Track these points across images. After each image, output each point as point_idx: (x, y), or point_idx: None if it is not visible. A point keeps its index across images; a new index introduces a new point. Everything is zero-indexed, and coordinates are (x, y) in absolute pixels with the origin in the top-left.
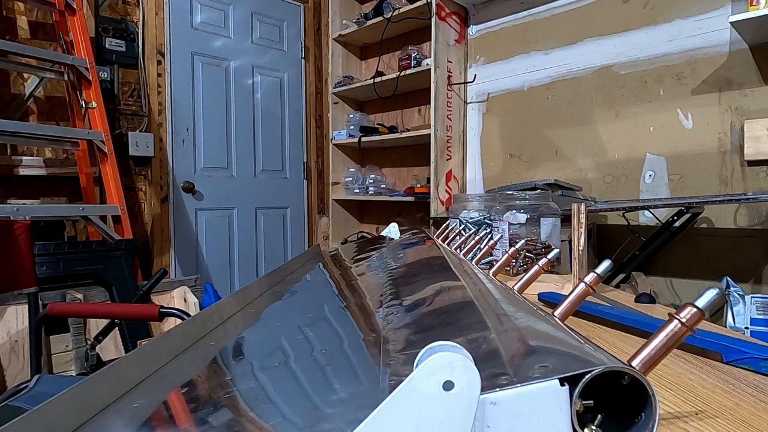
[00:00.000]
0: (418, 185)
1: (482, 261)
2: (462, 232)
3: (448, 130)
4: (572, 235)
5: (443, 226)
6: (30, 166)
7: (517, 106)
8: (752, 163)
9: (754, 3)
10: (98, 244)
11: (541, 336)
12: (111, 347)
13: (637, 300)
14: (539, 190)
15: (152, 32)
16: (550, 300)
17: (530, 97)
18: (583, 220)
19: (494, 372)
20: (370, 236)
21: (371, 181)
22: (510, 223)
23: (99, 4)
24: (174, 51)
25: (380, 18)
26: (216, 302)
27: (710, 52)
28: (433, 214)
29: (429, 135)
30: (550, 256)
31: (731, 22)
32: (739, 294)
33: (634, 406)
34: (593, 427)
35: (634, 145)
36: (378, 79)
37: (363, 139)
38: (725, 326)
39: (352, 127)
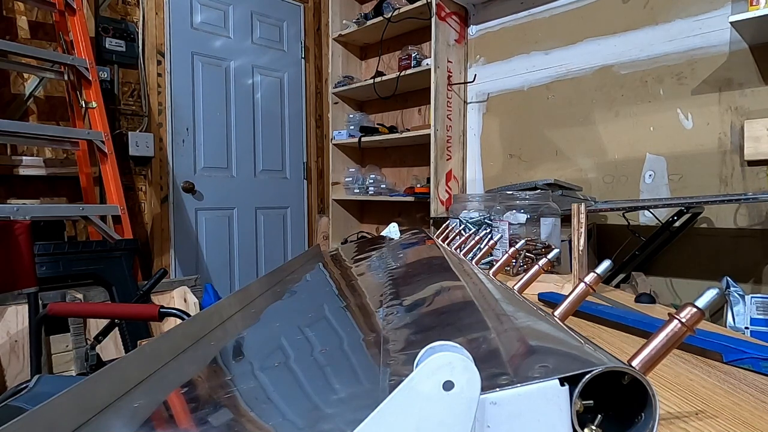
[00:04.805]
0: (418, 185)
1: (482, 261)
2: (462, 232)
3: (448, 130)
4: (572, 235)
5: (443, 226)
6: (30, 166)
7: (517, 106)
8: (752, 163)
9: (754, 3)
10: (98, 244)
11: (541, 336)
12: (111, 347)
13: (637, 300)
14: (539, 190)
15: (152, 32)
16: (550, 300)
17: (530, 97)
18: (583, 220)
19: (494, 372)
20: (370, 236)
21: (371, 181)
22: (510, 223)
23: (99, 4)
24: (174, 51)
25: (380, 18)
26: (216, 302)
27: (710, 52)
28: (433, 214)
29: (429, 135)
30: (550, 256)
31: (731, 22)
32: (739, 294)
33: (634, 406)
34: (593, 427)
35: (634, 145)
36: (378, 79)
37: (363, 139)
38: (725, 326)
39: (352, 127)
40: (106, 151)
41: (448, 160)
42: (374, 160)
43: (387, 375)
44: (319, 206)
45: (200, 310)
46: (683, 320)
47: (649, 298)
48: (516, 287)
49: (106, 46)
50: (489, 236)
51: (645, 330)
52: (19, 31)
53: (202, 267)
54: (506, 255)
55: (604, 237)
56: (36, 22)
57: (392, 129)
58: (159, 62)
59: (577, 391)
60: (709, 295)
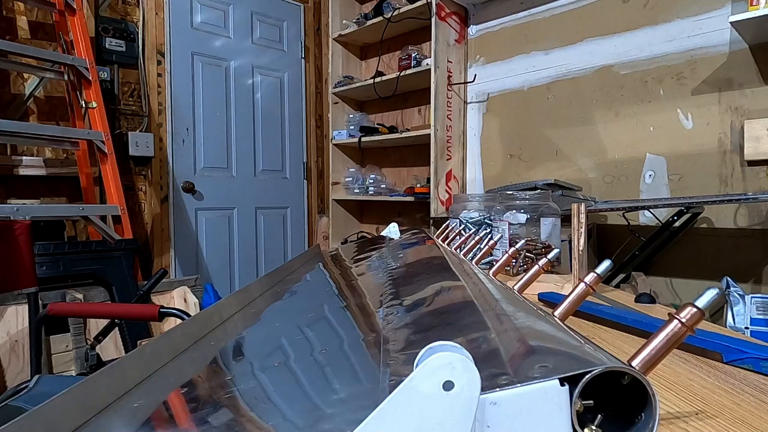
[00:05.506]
0: (418, 185)
1: (482, 261)
2: (462, 232)
3: (448, 130)
4: (572, 235)
5: (443, 226)
6: (30, 166)
7: (517, 106)
8: (752, 163)
9: (754, 3)
10: (98, 244)
11: (541, 336)
12: (111, 347)
13: (637, 300)
14: (539, 190)
15: (152, 32)
16: (550, 300)
17: (530, 97)
18: (583, 220)
19: (494, 372)
20: (370, 236)
21: (371, 181)
22: (510, 223)
23: (99, 4)
24: (174, 51)
25: (380, 18)
26: (216, 302)
27: (710, 52)
28: (433, 214)
29: (429, 135)
30: (550, 256)
31: (731, 22)
32: (739, 294)
33: (634, 406)
34: (593, 427)
35: (634, 145)
36: (378, 79)
37: (363, 139)
38: (725, 326)
39: (352, 127)
40: (106, 151)
41: (448, 160)
42: (374, 160)
43: (387, 375)
44: (319, 206)
45: (200, 310)
46: (683, 320)
47: (649, 298)
48: (516, 287)
49: (106, 46)
50: (489, 236)
51: (645, 330)
52: (19, 31)
53: (202, 267)
54: (506, 255)
55: (604, 237)
56: (36, 22)
57: (392, 129)
58: (159, 62)
59: (577, 391)
60: (709, 295)
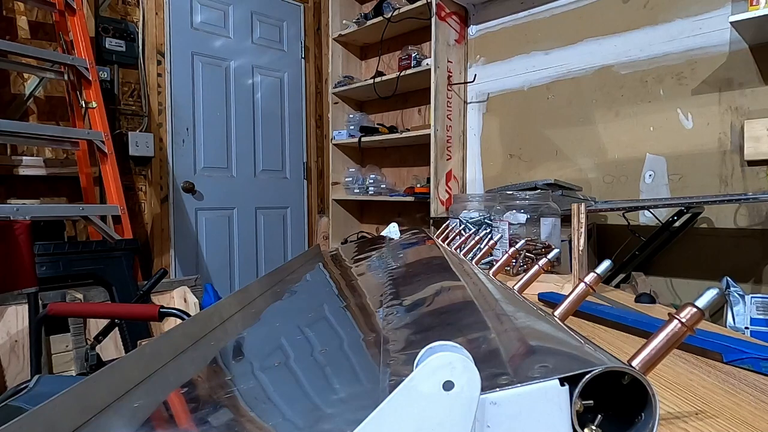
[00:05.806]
0: (418, 185)
1: (482, 261)
2: (462, 232)
3: (448, 130)
4: (572, 235)
5: (443, 226)
6: (30, 166)
7: (517, 106)
8: (752, 163)
9: (754, 3)
10: (98, 244)
11: (541, 336)
12: (111, 347)
13: (637, 300)
14: (539, 190)
15: (152, 32)
16: (550, 300)
17: (530, 97)
18: (583, 220)
19: (494, 372)
20: (370, 236)
21: (371, 181)
22: (510, 223)
23: (99, 4)
24: (174, 51)
25: (380, 18)
26: (216, 302)
27: (710, 52)
28: (433, 214)
29: (429, 135)
30: (550, 256)
31: (731, 22)
32: (739, 294)
33: (634, 406)
34: (593, 427)
35: (634, 145)
36: (378, 79)
37: (363, 139)
38: (725, 326)
39: (352, 127)
40: (106, 151)
41: (448, 160)
42: (374, 160)
43: (387, 375)
44: (319, 206)
45: (200, 310)
46: (683, 320)
47: (649, 298)
48: (516, 287)
49: (106, 46)
50: (489, 236)
51: (645, 330)
52: (19, 31)
53: (202, 267)
54: (506, 255)
55: (604, 237)
56: (36, 22)
57: (392, 129)
58: (159, 62)
59: (577, 391)
60: (709, 295)
